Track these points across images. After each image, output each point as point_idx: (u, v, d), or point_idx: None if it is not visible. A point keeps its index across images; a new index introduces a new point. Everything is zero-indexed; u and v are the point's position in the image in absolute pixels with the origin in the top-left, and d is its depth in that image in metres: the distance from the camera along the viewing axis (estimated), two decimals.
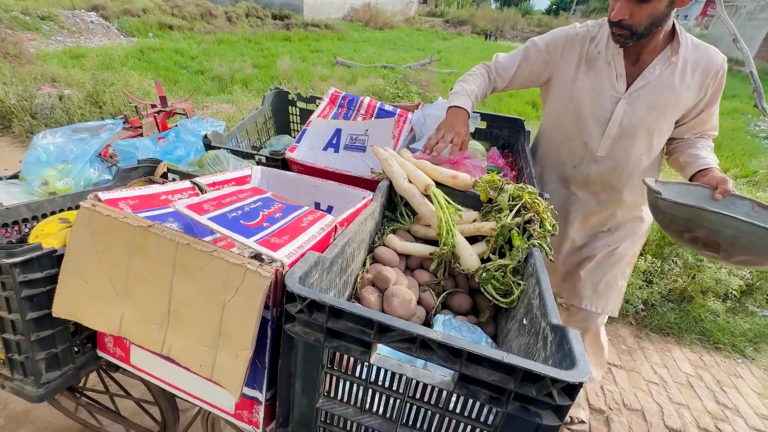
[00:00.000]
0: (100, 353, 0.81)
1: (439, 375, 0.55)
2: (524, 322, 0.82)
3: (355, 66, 8.79)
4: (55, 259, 0.71)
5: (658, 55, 1.22)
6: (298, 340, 0.60)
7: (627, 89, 1.26)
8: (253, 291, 0.58)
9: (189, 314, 0.64)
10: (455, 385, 0.53)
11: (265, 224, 0.69)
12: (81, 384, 1.45)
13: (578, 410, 1.87)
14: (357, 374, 0.60)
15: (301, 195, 1.16)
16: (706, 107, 1.26)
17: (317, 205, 1.15)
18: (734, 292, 2.57)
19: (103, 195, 0.72)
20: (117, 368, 0.86)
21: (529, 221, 1.00)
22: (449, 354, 0.51)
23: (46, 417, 1.73)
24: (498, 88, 1.47)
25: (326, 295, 0.54)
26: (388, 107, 1.62)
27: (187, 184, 0.90)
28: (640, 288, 2.65)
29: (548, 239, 0.95)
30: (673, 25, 1.21)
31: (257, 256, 0.61)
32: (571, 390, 0.48)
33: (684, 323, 2.61)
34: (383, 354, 0.58)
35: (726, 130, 7.11)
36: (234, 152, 1.45)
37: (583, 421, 1.86)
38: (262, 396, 0.68)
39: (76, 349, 0.80)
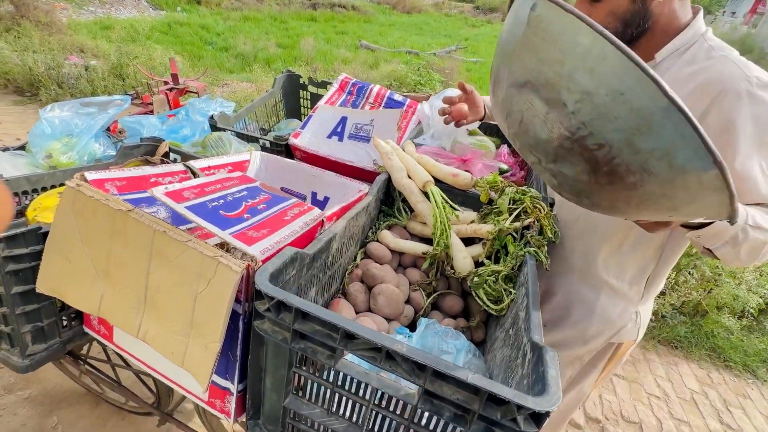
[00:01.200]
0: (87, 329, 0.83)
1: (404, 387, 0.53)
2: (510, 332, 0.79)
3: (378, 50, 8.64)
4: (41, 235, 0.72)
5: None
6: (266, 338, 0.59)
7: None
8: (223, 285, 0.57)
9: (164, 301, 0.64)
10: (419, 400, 0.51)
11: (245, 215, 0.68)
12: (84, 352, 1.50)
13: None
14: (325, 376, 0.59)
15: (298, 183, 1.15)
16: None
17: (314, 195, 1.13)
18: (752, 309, 2.46)
19: (90, 175, 0.72)
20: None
21: (528, 227, 0.96)
22: (414, 368, 0.49)
23: (54, 378, 1.81)
24: None
25: (293, 296, 0.53)
26: (397, 97, 1.57)
27: (179, 167, 0.89)
28: None
29: (545, 248, 0.90)
30: (691, 23, 0.84)
31: (231, 249, 0.60)
32: (538, 417, 0.46)
33: (695, 338, 2.52)
34: (350, 360, 0.56)
35: None
36: (239, 135, 1.44)
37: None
38: (233, 387, 0.68)
39: (63, 324, 0.82)
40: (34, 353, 0.77)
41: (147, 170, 0.82)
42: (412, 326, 0.97)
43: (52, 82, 4.38)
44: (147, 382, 1.49)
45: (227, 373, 0.68)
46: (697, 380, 2.35)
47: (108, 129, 1.50)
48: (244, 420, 0.71)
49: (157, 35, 7.24)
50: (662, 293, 2.60)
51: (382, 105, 1.56)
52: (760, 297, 2.47)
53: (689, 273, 2.55)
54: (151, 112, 1.84)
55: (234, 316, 0.62)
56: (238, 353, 0.65)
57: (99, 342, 0.82)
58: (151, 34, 7.13)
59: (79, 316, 0.84)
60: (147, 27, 7.40)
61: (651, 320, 2.55)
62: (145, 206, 0.76)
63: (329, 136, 1.42)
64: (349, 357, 0.56)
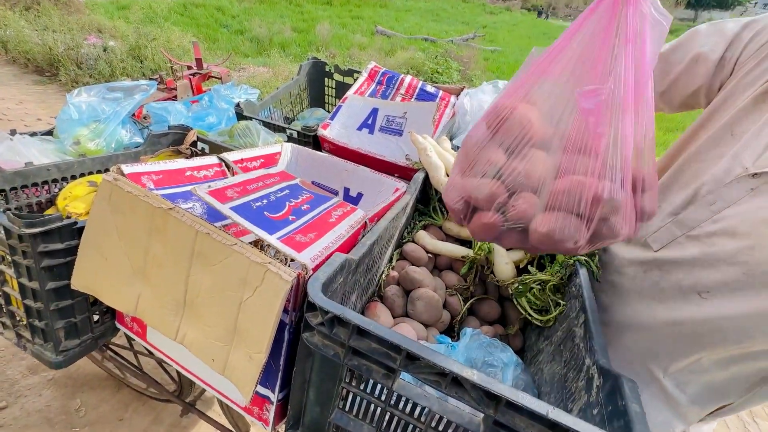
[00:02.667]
0: (119, 325, 0.81)
1: (468, 413, 0.49)
2: (561, 348, 0.74)
3: (395, 36, 8.46)
4: (75, 230, 0.69)
5: None
6: (316, 351, 0.55)
7: None
8: (272, 294, 0.53)
9: (205, 305, 0.61)
10: (485, 429, 0.47)
11: (290, 217, 0.63)
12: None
13: None
14: (377, 395, 0.55)
15: (331, 178, 1.10)
16: None
17: (346, 191, 1.09)
18: None
19: (126, 168, 0.68)
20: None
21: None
22: (484, 396, 0.45)
23: (77, 361, 1.83)
24: None
25: (351, 312, 0.49)
26: (430, 88, 1.51)
27: (214, 159, 0.86)
28: None
29: (597, 257, 0.85)
30: None
31: (280, 255, 0.56)
32: None
33: None
34: (407, 380, 0.52)
35: None
36: (266, 124, 1.40)
37: None
38: (273, 396, 0.65)
39: (95, 319, 0.80)
40: (68, 349, 0.75)
41: (182, 163, 0.78)
42: (447, 331, 0.93)
43: (72, 62, 4.37)
44: (169, 370, 1.49)
45: (267, 381, 0.65)
46: None
47: (133, 115, 1.47)
48: (282, 429, 0.68)
49: (175, 16, 7.18)
50: None
51: (414, 96, 1.50)
52: None
53: None
54: (175, 97, 1.81)
55: (280, 325, 0.58)
56: (281, 363, 0.61)
57: (130, 338, 0.80)
58: (169, 15, 7.08)
59: (112, 311, 0.82)
60: (165, 8, 7.34)
61: None
62: (181, 201, 0.73)
63: (359, 128, 1.37)
64: (406, 377, 0.53)
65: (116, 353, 1.48)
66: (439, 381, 0.47)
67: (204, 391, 1.48)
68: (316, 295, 0.51)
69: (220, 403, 1.23)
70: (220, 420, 1.36)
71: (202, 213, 0.75)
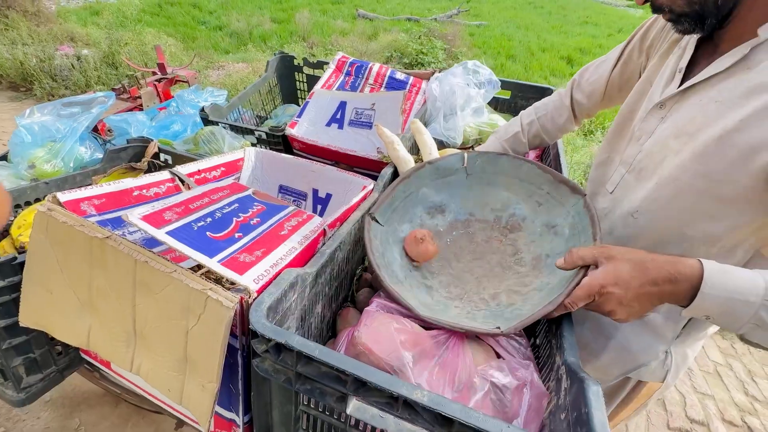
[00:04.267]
0: (83, 356, 0.78)
1: None
2: (536, 342, 0.72)
3: (377, 19, 8.24)
4: (17, 266, 0.65)
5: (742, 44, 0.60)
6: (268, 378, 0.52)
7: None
8: (215, 321, 0.50)
9: (154, 335, 0.58)
10: None
11: (236, 235, 0.60)
12: None
13: None
14: (337, 416, 0.53)
15: (298, 180, 1.06)
16: None
17: (315, 192, 1.05)
18: None
19: (63, 196, 0.64)
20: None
21: None
22: (437, 418, 0.42)
23: (72, 380, 1.81)
24: None
25: (294, 336, 0.46)
26: (399, 76, 1.45)
27: (165, 175, 0.81)
28: None
29: None
30: None
31: (221, 280, 0.53)
32: None
33: None
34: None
35: None
36: (233, 128, 1.35)
37: None
38: (239, 419, 0.63)
39: (57, 352, 0.77)
40: (30, 385, 0.73)
41: (128, 183, 0.74)
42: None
43: (45, 75, 4.27)
44: None
45: (231, 405, 0.62)
46: (721, 352, 2.29)
47: (96, 129, 1.42)
48: None
49: (147, 17, 6.98)
50: None
51: (384, 85, 1.44)
52: None
53: None
54: (140, 106, 1.75)
55: (231, 350, 0.55)
56: (240, 387, 0.59)
57: (98, 369, 0.77)
58: (141, 17, 6.88)
59: None
60: (135, 9, 7.13)
61: None
62: (129, 225, 0.69)
63: (328, 124, 1.32)
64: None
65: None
66: (392, 404, 0.44)
67: None
68: (257, 322, 0.48)
69: None
70: None
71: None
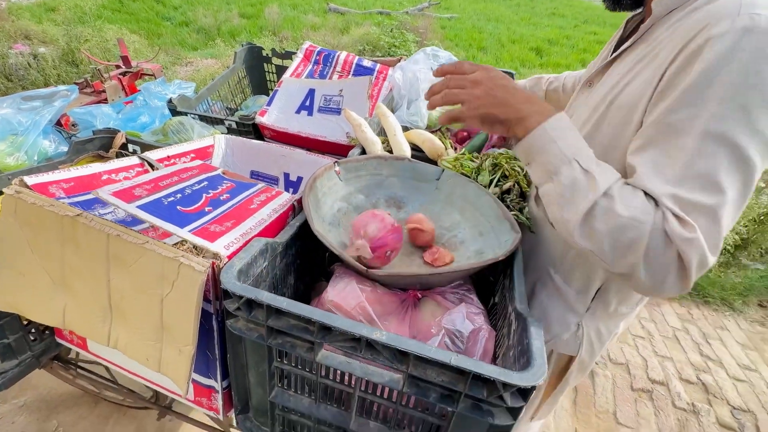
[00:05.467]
0: (59, 340, 0.79)
1: (388, 373, 0.52)
2: (495, 300, 0.78)
3: (348, 12, 8.21)
4: None
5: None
6: (242, 336, 0.56)
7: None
8: (188, 286, 0.54)
9: (130, 308, 0.60)
10: (405, 384, 0.49)
11: (206, 209, 0.63)
12: (73, 356, 1.47)
13: None
14: (308, 368, 0.57)
15: (269, 165, 1.09)
16: (658, 112, 0.55)
17: (286, 176, 1.08)
18: (728, 246, 2.54)
19: (30, 179, 0.65)
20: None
21: (508, 191, 0.93)
22: (395, 355, 0.47)
23: (48, 383, 1.79)
24: None
25: (262, 292, 0.50)
26: (366, 63, 1.49)
27: (134, 160, 0.83)
28: None
29: (526, 208, 0.88)
30: None
31: (193, 248, 0.56)
32: (525, 392, 0.45)
33: None
34: (332, 351, 0.54)
35: None
36: (202, 118, 1.35)
37: None
38: (218, 385, 0.66)
39: (32, 338, 0.78)
40: (5, 371, 0.74)
41: (97, 167, 0.75)
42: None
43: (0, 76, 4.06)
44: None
45: (209, 371, 0.66)
46: (679, 318, 2.46)
47: (60, 123, 1.39)
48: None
49: (108, 13, 6.71)
50: None
51: (351, 73, 1.48)
52: (736, 233, 2.55)
53: None
54: (105, 100, 1.72)
55: (206, 315, 0.58)
56: (217, 352, 0.62)
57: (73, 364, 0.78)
58: (102, 13, 6.61)
59: (50, 327, 0.80)
60: (94, 5, 6.84)
61: None
62: (99, 207, 0.71)
63: (298, 111, 1.34)
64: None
65: (86, 369, 1.45)
66: (355, 346, 0.49)
67: None
68: (228, 281, 0.51)
69: None
70: (203, 420, 1.37)
71: (125, 217, 0.73)
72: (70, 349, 1.44)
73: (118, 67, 1.88)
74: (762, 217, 2.77)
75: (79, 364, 1.46)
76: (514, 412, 0.46)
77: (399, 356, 0.47)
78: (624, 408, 1.88)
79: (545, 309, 0.85)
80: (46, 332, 0.80)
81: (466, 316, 0.59)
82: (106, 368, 1.45)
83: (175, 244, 0.57)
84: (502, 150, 1.00)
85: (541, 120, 0.58)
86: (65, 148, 1.19)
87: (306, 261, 0.81)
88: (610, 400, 1.91)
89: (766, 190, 3.06)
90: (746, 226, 2.64)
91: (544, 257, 0.85)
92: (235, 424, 0.72)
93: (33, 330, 0.78)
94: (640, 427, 1.81)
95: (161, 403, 1.42)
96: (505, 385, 0.44)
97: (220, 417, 0.70)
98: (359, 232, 0.69)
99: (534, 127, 0.58)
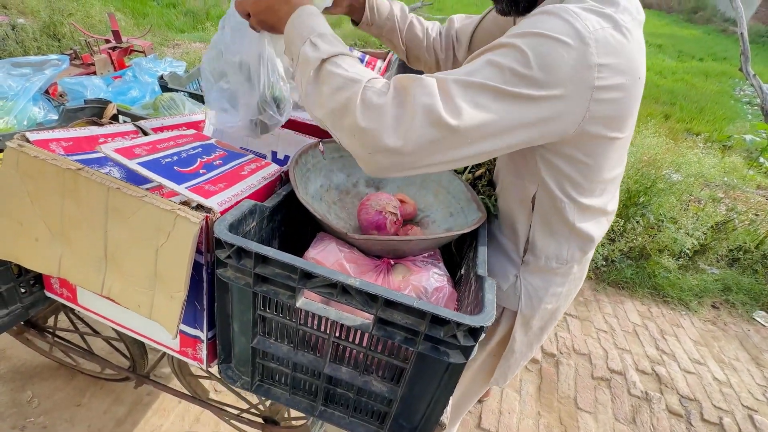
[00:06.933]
0: (48, 293, 0.83)
1: (359, 318, 0.59)
2: (461, 272, 0.86)
3: None
4: None
5: None
6: (230, 284, 0.62)
7: None
8: (184, 236, 0.59)
9: (125, 257, 0.65)
10: (373, 327, 0.56)
11: (201, 171, 0.68)
12: (51, 324, 1.48)
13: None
14: (289, 316, 0.63)
15: (257, 142, 1.14)
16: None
17: (274, 154, 1.14)
18: (687, 251, 2.72)
19: (32, 135, 0.69)
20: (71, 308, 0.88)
21: (480, 177, 1.01)
22: (367, 299, 0.54)
23: (22, 355, 1.78)
24: None
25: (252, 242, 0.56)
26: (356, 53, 1.55)
27: (130, 127, 0.87)
28: (602, 245, 2.78)
29: (495, 197, 0.97)
30: None
31: (188, 203, 0.61)
32: (475, 332, 0.53)
33: (639, 278, 2.78)
34: (311, 298, 0.61)
35: (711, 94, 7.09)
36: (193, 96, 1.39)
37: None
38: (203, 335, 0.72)
39: (22, 290, 0.81)
40: None
41: (95, 130, 0.80)
42: None
43: None
44: (120, 348, 1.51)
45: (196, 322, 0.71)
46: (639, 315, 2.62)
47: (47, 92, 1.40)
48: (217, 365, 0.76)
49: None
50: (612, 240, 2.82)
51: None
52: (696, 239, 2.73)
53: (636, 221, 2.76)
54: (94, 73, 1.72)
55: (197, 266, 0.64)
56: (205, 302, 0.68)
57: (63, 305, 0.83)
58: None
59: (39, 281, 0.84)
60: None
61: (603, 265, 2.78)
62: (96, 167, 0.75)
63: None
64: (310, 296, 0.61)
65: (62, 338, 1.47)
66: (331, 292, 0.55)
67: (157, 363, 1.52)
68: (221, 231, 0.57)
69: (175, 372, 1.28)
70: (180, 389, 1.41)
71: (121, 177, 0.78)
72: (48, 317, 1.46)
73: (107, 41, 1.87)
74: (720, 225, 2.97)
75: (57, 333, 1.48)
76: (466, 351, 0.54)
77: (370, 301, 0.55)
78: (584, 394, 2.01)
79: (489, 260, 0.85)
80: (36, 285, 0.84)
81: (431, 276, 0.67)
82: (82, 336, 1.48)
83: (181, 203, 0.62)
84: None
85: (291, 12, 0.66)
86: (55, 116, 1.21)
87: (290, 231, 0.87)
88: (572, 386, 2.04)
89: (725, 200, 3.28)
90: (705, 233, 2.82)
91: (499, 220, 0.92)
92: (217, 374, 0.78)
93: (23, 283, 0.81)
94: (598, 412, 1.94)
95: (139, 372, 1.45)
96: (459, 325, 0.51)
97: (204, 366, 0.75)
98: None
99: (287, 20, 0.66)
